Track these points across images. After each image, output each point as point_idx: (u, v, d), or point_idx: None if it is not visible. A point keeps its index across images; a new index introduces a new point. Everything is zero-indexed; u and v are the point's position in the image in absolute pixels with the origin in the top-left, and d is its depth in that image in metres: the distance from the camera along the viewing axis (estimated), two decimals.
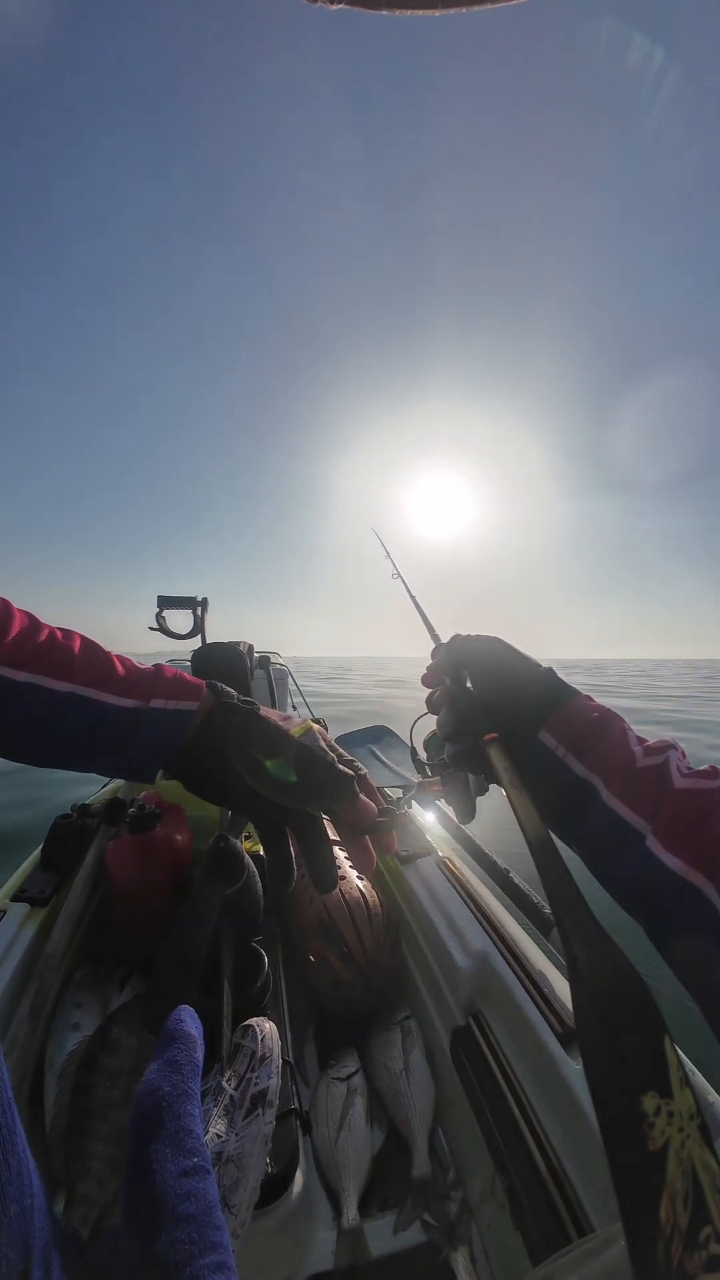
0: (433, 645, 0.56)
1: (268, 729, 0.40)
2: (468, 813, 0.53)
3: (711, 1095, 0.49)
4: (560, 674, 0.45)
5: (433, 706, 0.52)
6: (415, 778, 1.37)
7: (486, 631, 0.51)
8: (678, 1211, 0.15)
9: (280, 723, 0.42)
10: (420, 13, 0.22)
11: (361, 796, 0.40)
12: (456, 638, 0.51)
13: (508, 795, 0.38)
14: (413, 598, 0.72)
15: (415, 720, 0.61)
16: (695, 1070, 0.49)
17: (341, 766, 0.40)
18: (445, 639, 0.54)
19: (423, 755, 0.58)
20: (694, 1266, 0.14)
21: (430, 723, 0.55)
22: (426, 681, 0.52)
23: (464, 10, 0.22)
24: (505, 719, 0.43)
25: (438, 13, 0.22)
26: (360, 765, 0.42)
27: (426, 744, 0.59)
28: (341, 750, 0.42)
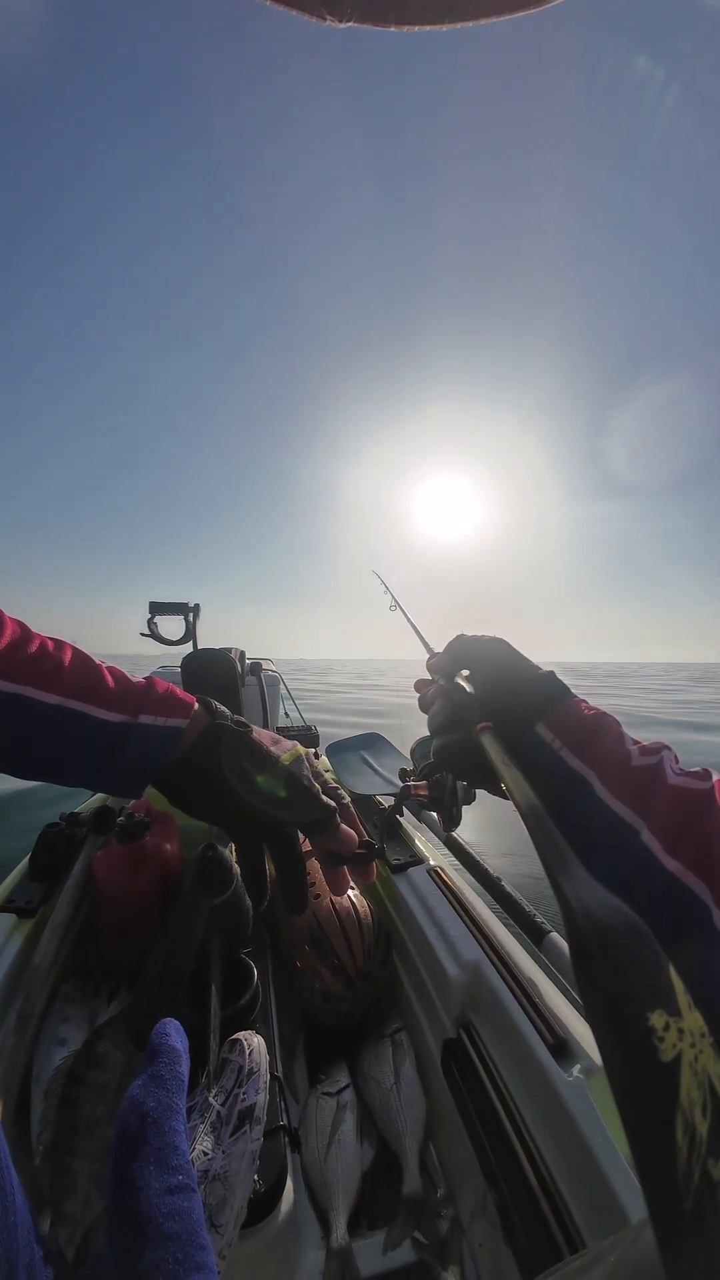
0: (428, 658, 0.57)
1: (261, 754, 0.42)
2: (452, 819, 0.52)
3: None
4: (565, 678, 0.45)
5: (425, 704, 0.52)
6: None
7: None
8: (696, 1120, 0.15)
9: (270, 747, 0.43)
10: (427, 28, 0.22)
11: (342, 827, 0.42)
12: (460, 637, 0.52)
13: (499, 773, 0.38)
14: (413, 625, 0.77)
15: (415, 745, 0.61)
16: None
17: (324, 797, 0.42)
18: (441, 650, 0.55)
19: (409, 761, 0.58)
20: None
21: (420, 730, 0.55)
22: (420, 686, 0.53)
23: (469, 24, 0.22)
24: (502, 713, 0.44)
25: (444, 28, 0.22)
26: (344, 795, 0.44)
27: (414, 750, 0.59)
28: (328, 778, 0.44)
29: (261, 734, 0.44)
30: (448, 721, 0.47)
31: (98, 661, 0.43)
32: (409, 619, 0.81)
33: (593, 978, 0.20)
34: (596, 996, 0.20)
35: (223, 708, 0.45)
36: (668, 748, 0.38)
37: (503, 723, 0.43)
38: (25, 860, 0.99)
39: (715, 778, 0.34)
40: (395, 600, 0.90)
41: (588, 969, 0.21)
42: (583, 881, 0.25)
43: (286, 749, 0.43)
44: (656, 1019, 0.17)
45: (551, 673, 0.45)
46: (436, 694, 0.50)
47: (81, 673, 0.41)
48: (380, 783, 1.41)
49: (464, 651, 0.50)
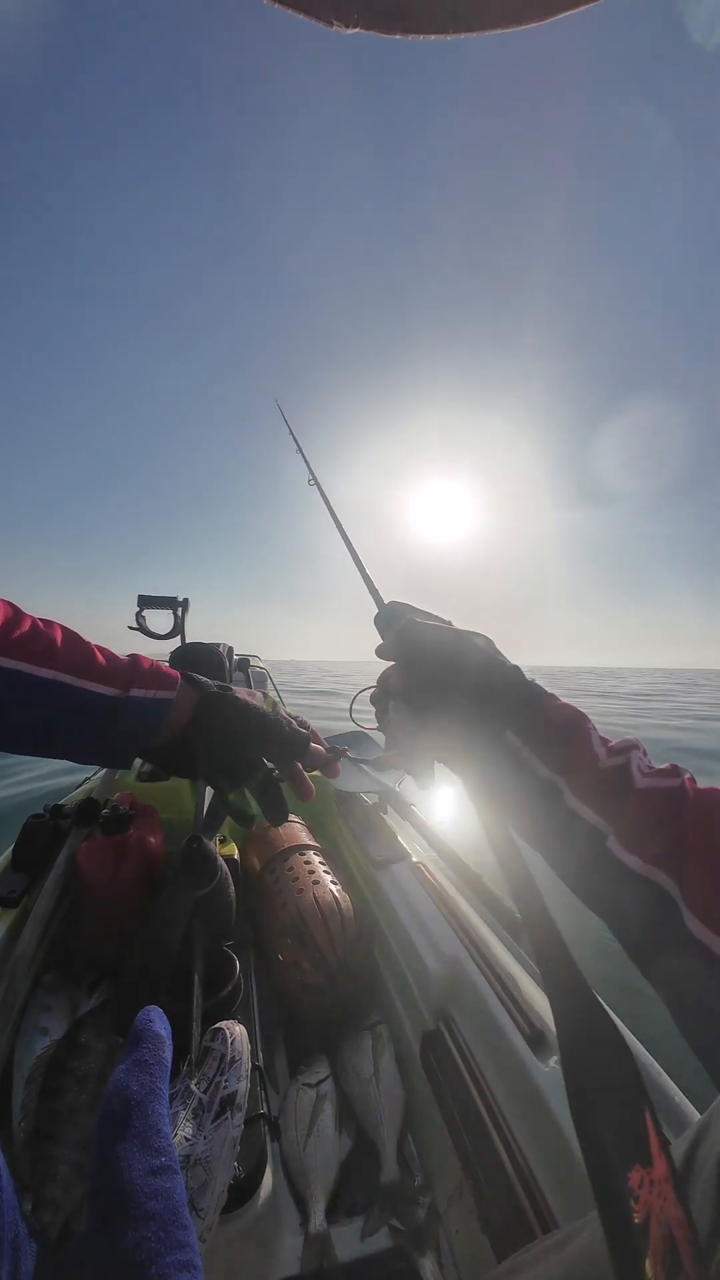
0: (375, 611, 0.50)
1: (250, 710, 0.49)
2: (428, 778, 0.50)
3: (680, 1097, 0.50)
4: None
5: (379, 715, 0.46)
6: (393, 784, 1.38)
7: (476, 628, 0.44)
8: (658, 1275, 0.17)
9: (250, 700, 0.50)
10: (432, 37, 0.23)
11: (313, 745, 0.52)
12: (410, 623, 0.44)
13: (476, 807, 0.39)
14: (341, 528, 0.67)
15: (354, 696, 0.62)
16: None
17: (299, 728, 0.52)
18: (388, 601, 0.49)
19: (375, 721, 0.52)
20: None
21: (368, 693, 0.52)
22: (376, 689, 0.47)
23: (475, 35, 0.23)
24: (466, 724, 0.40)
25: (449, 37, 0.23)
26: (307, 722, 0.55)
27: (377, 714, 0.53)
28: (293, 716, 0.54)
29: (239, 690, 0.51)
30: (405, 745, 0.43)
31: (86, 640, 0.45)
32: (329, 506, 0.71)
33: (584, 1131, 0.22)
34: (590, 1155, 0.21)
35: (204, 679, 0.49)
36: (636, 746, 0.37)
37: (468, 732, 0.40)
38: (8, 852, 0.98)
39: (685, 775, 0.34)
40: (313, 476, 0.79)
41: (581, 1120, 0.23)
42: (562, 978, 0.28)
43: (261, 700, 0.52)
44: (635, 1177, 0.20)
45: (517, 669, 0.42)
46: (397, 682, 0.44)
47: (73, 650, 0.43)
48: (368, 781, 1.42)
49: (412, 643, 0.43)
